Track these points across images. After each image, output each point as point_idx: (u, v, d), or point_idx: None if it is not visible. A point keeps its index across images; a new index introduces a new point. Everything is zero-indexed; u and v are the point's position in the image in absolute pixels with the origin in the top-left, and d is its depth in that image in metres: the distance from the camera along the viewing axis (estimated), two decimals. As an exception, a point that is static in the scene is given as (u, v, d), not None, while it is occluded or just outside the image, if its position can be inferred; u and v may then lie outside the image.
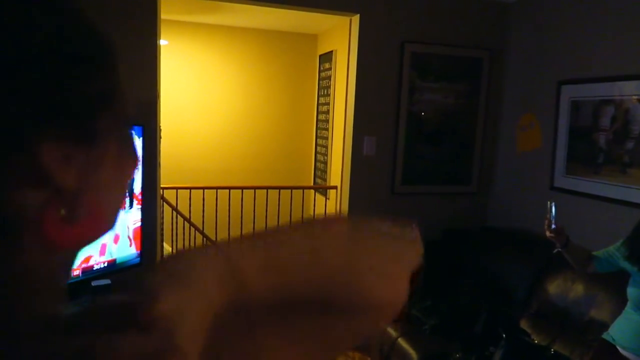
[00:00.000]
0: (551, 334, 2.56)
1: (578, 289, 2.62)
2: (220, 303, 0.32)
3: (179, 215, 4.23)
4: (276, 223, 0.43)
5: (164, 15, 3.08)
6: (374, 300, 0.39)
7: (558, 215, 2.06)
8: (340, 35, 4.40)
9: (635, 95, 2.59)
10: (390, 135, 3.38)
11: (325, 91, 5.06)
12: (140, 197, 2.44)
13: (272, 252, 0.35)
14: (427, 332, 2.75)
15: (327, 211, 4.57)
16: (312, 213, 4.87)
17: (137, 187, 2.43)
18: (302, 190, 4.59)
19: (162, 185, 3.32)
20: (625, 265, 2.02)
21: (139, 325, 0.30)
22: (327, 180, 4.93)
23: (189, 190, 4.26)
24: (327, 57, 5.02)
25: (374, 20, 3.24)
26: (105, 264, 2.23)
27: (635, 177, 2.58)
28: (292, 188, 4.45)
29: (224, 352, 0.33)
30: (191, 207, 4.22)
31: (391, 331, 2.83)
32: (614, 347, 2.03)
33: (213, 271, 0.31)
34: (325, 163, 5.03)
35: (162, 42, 3.22)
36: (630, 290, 2.00)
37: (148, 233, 2.69)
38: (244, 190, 4.28)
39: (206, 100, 5.20)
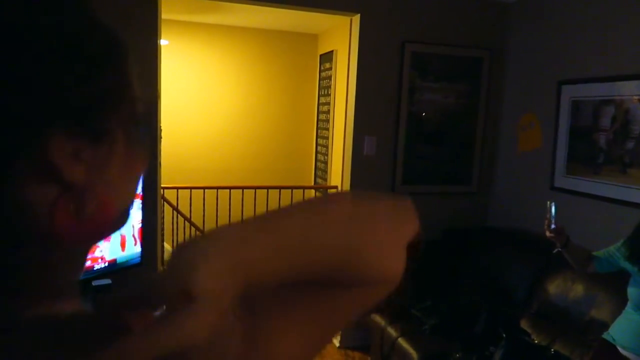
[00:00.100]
0: (551, 334, 2.57)
1: (578, 289, 2.62)
2: (231, 290, 0.31)
3: (179, 215, 4.24)
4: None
5: (165, 15, 3.08)
6: (376, 274, 0.39)
7: (558, 215, 2.06)
8: (341, 35, 4.40)
9: (635, 95, 2.59)
10: (390, 135, 3.38)
11: (326, 91, 5.06)
12: (140, 196, 2.44)
13: (274, 236, 0.34)
14: (427, 332, 2.75)
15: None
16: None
17: (138, 186, 2.43)
18: (302, 190, 4.59)
19: (162, 185, 3.32)
20: (626, 265, 2.03)
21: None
22: (328, 180, 4.93)
23: (189, 190, 4.26)
24: (327, 57, 5.03)
25: (374, 20, 3.24)
26: (106, 264, 2.23)
27: (635, 177, 2.58)
28: (292, 188, 4.45)
29: (231, 339, 0.33)
30: (192, 207, 4.23)
31: (391, 331, 2.83)
32: (614, 347, 2.03)
33: (222, 259, 0.30)
34: (326, 163, 5.03)
35: (163, 42, 3.22)
36: (631, 290, 2.01)
37: (149, 233, 2.69)
38: (244, 190, 4.29)
39: (207, 100, 5.20)
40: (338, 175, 3.86)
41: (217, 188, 4.20)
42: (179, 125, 5.00)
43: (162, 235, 3.52)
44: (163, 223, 3.56)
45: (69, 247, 0.37)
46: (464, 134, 3.57)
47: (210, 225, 4.35)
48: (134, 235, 2.38)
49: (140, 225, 2.44)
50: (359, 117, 3.30)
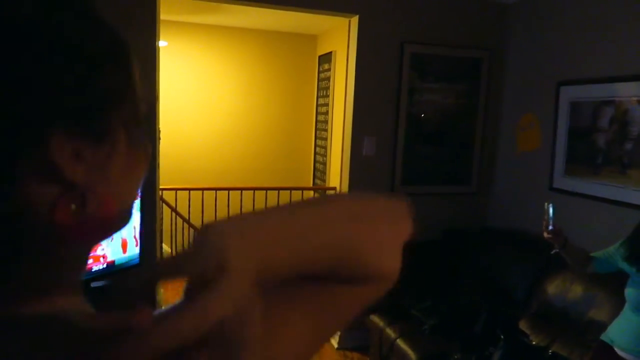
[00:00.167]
0: (550, 334, 2.57)
1: (577, 290, 2.62)
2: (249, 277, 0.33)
3: (178, 216, 4.24)
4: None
5: (163, 15, 3.08)
6: (374, 269, 0.40)
7: (556, 216, 2.06)
8: (340, 36, 4.40)
9: (634, 96, 2.59)
10: (390, 136, 3.38)
11: (325, 92, 5.07)
12: (139, 198, 2.44)
13: (282, 227, 0.36)
14: (426, 332, 2.75)
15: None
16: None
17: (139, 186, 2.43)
18: (301, 192, 4.59)
19: (161, 186, 3.32)
20: (624, 266, 2.02)
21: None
22: (327, 181, 4.93)
23: (188, 191, 4.26)
24: (326, 58, 5.03)
25: (373, 21, 3.24)
26: (105, 265, 2.23)
27: (634, 178, 2.58)
28: (291, 189, 4.45)
29: (255, 315, 0.34)
30: (190, 208, 4.22)
31: (390, 332, 2.83)
32: (612, 348, 2.03)
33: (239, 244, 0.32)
34: (325, 164, 5.03)
35: (162, 43, 3.22)
36: (629, 291, 2.00)
37: (147, 234, 2.69)
38: (243, 191, 4.29)
39: (205, 101, 5.20)
40: (337, 176, 3.85)
41: (216, 189, 4.20)
42: (177, 126, 5.00)
43: (161, 236, 3.52)
44: (162, 224, 3.56)
45: (70, 246, 0.37)
46: (464, 135, 3.57)
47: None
48: (135, 237, 2.39)
49: (139, 226, 2.44)
50: (358, 118, 3.30)
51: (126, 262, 2.35)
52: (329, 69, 4.93)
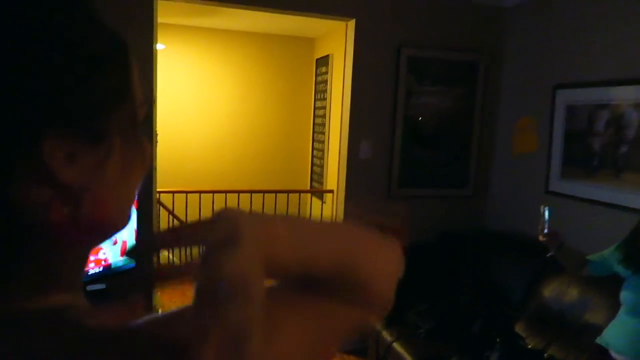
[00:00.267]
0: (547, 338, 2.57)
1: (573, 293, 2.63)
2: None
3: (175, 219, 4.23)
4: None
5: (161, 18, 3.08)
6: (371, 289, 0.44)
7: (553, 218, 2.07)
8: (337, 39, 4.41)
9: (629, 100, 2.60)
10: (386, 139, 3.39)
11: (322, 95, 5.07)
12: (136, 200, 2.43)
13: (297, 228, 0.40)
14: (422, 335, 2.75)
15: (323, 215, 4.57)
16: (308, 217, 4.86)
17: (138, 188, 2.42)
18: (298, 194, 4.59)
19: (158, 189, 3.32)
20: (619, 269, 2.03)
21: None
22: (324, 183, 4.93)
23: (185, 194, 4.25)
24: (323, 61, 5.04)
25: (369, 24, 3.24)
26: (101, 268, 2.23)
27: (628, 182, 2.60)
28: (288, 192, 4.46)
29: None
30: (187, 211, 4.22)
31: (386, 335, 2.83)
32: (608, 352, 2.03)
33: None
34: (322, 167, 5.03)
35: (159, 47, 3.23)
36: (624, 295, 2.00)
37: (144, 237, 2.68)
38: (240, 194, 4.28)
39: (203, 104, 5.20)
40: (334, 178, 3.86)
41: (214, 192, 4.19)
42: (175, 129, 5.00)
43: (158, 239, 3.51)
44: (159, 227, 3.55)
45: (66, 247, 0.37)
46: (460, 137, 3.58)
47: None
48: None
49: (135, 229, 2.43)
50: (354, 121, 3.31)
51: (122, 266, 2.34)
52: (326, 72, 4.94)
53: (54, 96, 0.33)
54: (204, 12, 4.34)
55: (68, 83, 0.33)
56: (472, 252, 3.31)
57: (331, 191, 4.28)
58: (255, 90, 5.31)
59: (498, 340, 2.31)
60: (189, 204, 4.23)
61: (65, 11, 0.35)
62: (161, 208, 4.06)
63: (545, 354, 2.37)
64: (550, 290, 2.75)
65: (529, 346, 2.49)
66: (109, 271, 2.26)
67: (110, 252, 2.29)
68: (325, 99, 4.96)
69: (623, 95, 2.63)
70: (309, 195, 5.14)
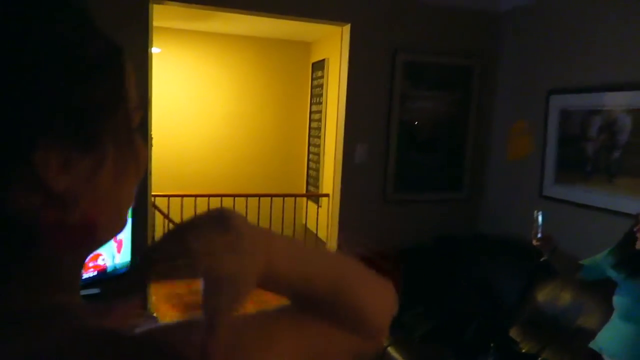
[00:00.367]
0: (541, 342, 2.57)
1: (567, 297, 2.63)
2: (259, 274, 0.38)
3: (170, 223, 4.22)
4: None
5: (157, 22, 3.08)
6: (367, 319, 0.47)
7: (547, 223, 2.07)
8: (333, 44, 4.42)
9: (622, 106, 2.62)
10: (382, 143, 3.39)
11: (318, 99, 5.08)
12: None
13: (295, 245, 0.42)
14: (417, 340, 2.75)
15: (319, 219, 4.57)
16: (304, 221, 4.87)
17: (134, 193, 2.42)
18: (294, 198, 4.59)
19: (153, 193, 3.31)
20: (612, 273, 2.04)
21: None
22: (320, 187, 4.93)
23: (180, 198, 4.25)
24: (319, 65, 5.05)
25: (365, 29, 3.26)
26: (96, 272, 2.22)
27: (621, 187, 2.61)
28: (284, 196, 4.46)
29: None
30: (183, 215, 4.21)
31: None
32: (601, 356, 2.03)
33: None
34: (318, 170, 5.03)
35: (155, 50, 3.23)
36: (617, 299, 2.01)
37: (139, 241, 2.68)
38: (235, 198, 4.28)
39: (199, 108, 5.20)
40: (330, 182, 3.86)
41: (209, 196, 4.19)
42: (170, 133, 5.00)
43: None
44: (154, 231, 3.55)
45: (60, 252, 0.37)
46: (455, 142, 3.60)
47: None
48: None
49: (130, 233, 2.42)
50: (350, 125, 3.32)
51: (117, 270, 2.33)
52: (322, 76, 4.95)
53: (47, 103, 0.33)
54: (200, 16, 4.34)
55: (61, 90, 0.33)
56: (467, 256, 3.31)
57: (327, 195, 4.28)
58: (251, 94, 5.32)
59: (492, 344, 2.31)
60: (184, 208, 4.22)
61: (57, 16, 0.34)
62: (156, 212, 4.05)
63: (539, 358, 2.38)
64: (544, 295, 2.76)
65: (523, 350, 2.49)
66: (104, 275, 2.25)
67: (107, 257, 2.28)
68: (321, 103, 4.97)
69: (616, 100, 2.65)
70: (304, 199, 5.14)
